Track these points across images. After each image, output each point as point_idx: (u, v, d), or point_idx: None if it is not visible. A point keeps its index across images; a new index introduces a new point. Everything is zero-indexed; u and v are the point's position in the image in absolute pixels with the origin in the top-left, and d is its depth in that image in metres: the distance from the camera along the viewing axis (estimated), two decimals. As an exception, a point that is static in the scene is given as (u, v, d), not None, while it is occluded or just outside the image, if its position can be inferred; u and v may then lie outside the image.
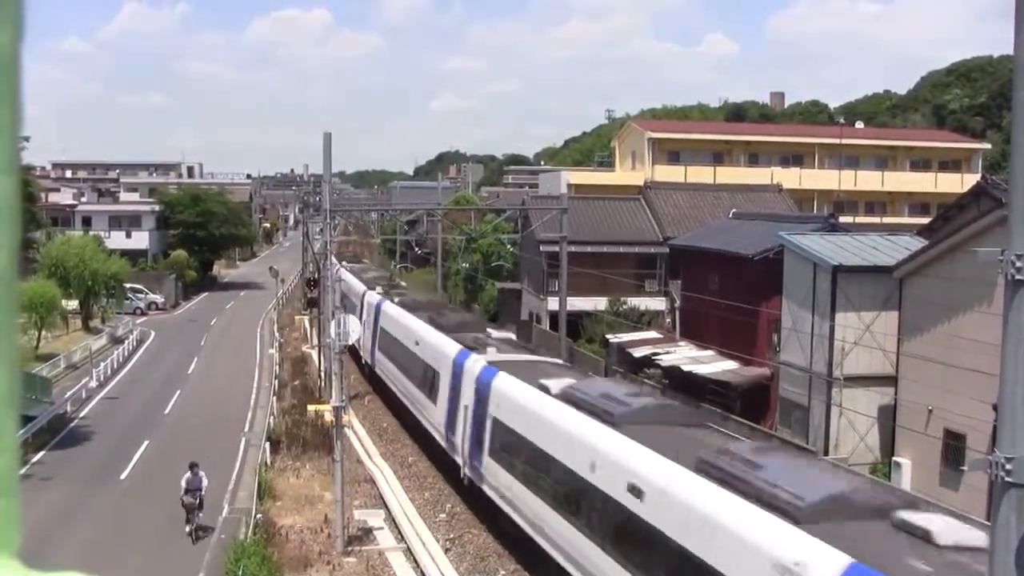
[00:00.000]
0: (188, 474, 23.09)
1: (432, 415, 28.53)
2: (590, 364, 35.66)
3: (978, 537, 11.32)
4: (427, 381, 29.30)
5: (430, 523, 24.57)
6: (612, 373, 35.13)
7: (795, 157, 63.70)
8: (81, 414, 36.27)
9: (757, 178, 56.35)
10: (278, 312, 65.35)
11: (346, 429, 27.71)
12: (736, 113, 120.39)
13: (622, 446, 16.32)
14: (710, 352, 33.65)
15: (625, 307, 42.71)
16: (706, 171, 59.25)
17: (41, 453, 30.24)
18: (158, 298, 67.78)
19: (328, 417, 27.57)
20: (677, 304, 40.87)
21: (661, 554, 14.23)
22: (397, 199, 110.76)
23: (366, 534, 23.78)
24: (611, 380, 26.01)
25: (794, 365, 29.27)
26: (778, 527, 12.05)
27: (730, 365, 32.54)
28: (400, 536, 23.82)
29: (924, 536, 11.33)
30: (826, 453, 26.33)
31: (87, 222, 76.35)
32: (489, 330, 32.05)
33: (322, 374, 38.74)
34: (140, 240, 76.47)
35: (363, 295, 44.76)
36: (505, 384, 22.48)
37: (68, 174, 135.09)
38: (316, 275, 43.17)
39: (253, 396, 39.33)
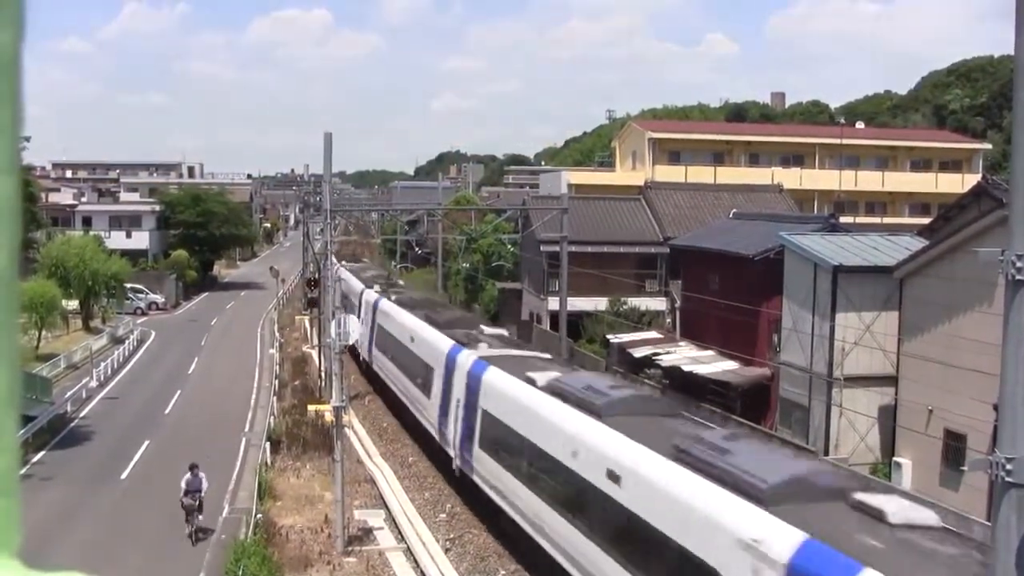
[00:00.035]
0: (188, 475, 23.01)
1: (426, 409, 29.25)
2: (591, 364, 35.66)
3: (929, 517, 12.39)
4: (421, 376, 29.98)
5: (430, 523, 24.58)
6: (612, 373, 35.12)
7: (796, 157, 63.69)
8: (81, 414, 36.28)
9: (757, 178, 56.34)
10: (278, 312, 65.37)
11: (346, 429, 27.73)
12: (737, 113, 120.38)
13: (602, 435, 17.06)
14: (710, 352, 33.65)
15: (625, 307, 42.70)
16: (706, 171, 59.24)
17: (41, 453, 30.26)
18: (158, 298, 67.78)
19: (328, 417, 27.57)
20: (677, 304, 40.86)
21: (635, 535, 15.12)
22: (397, 199, 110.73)
23: (366, 534, 23.78)
24: (595, 373, 26.59)
25: (794, 365, 29.26)
26: (742, 508, 12.78)
27: (730, 365, 32.53)
28: (400, 536, 23.83)
29: (877, 515, 11.92)
30: (826, 453, 26.32)
31: (87, 222, 76.36)
32: (482, 327, 32.46)
33: (322, 374, 38.75)
34: (140, 240, 76.48)
35: (361, 293, 45.24)
36: (494, 378, 23.21)
37: (68, 174, 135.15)
38: (316, 275, 43.18)
39: (253, 396, 39.34)
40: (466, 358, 25.72)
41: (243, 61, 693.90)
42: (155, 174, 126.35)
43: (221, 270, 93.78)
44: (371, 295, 43.31)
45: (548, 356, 27.83)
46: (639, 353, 36.32)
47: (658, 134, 63.68)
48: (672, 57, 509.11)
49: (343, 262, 58.28)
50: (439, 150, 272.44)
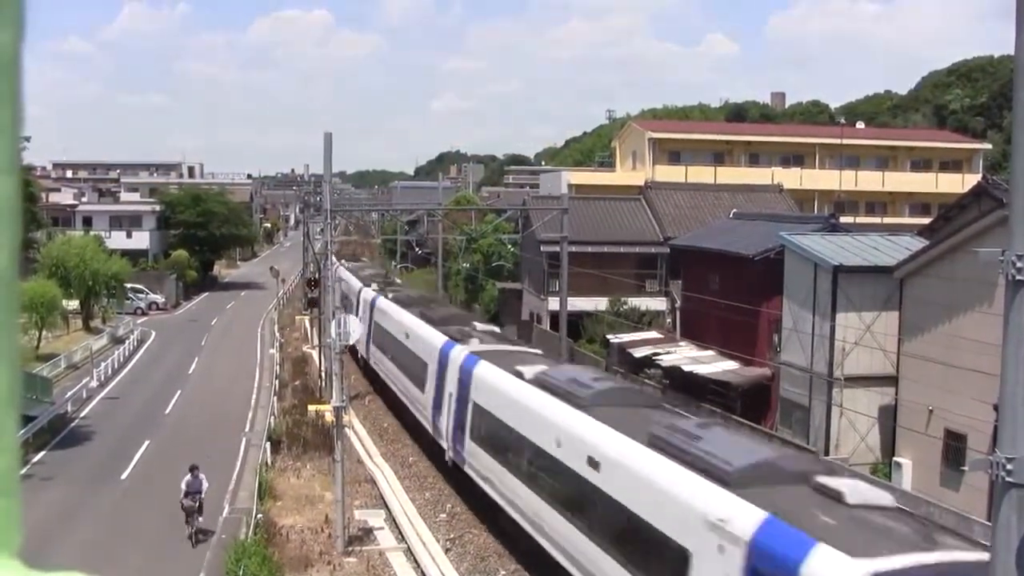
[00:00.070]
0: (188, 476, 22.95)
1: (420, 403, 30.13)
2: (591, 364, 35.65)
3: (884, 498, 13.17)
4: (416, 371, 30.79)
5: (430, 523, 24.58)
6: (613, 373, 35.12)
7: (796, 157, 63.68)
8: (82, 414, 36.27)
9: (758, 178, 56.34)
10: (279, 312, 65.36)
11: (346, 429, 27.72)
12: (737, 113, 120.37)
13: (584, 424, 17.94)
14: (711, 352, 33.65)
15: (626, 307, 42.69)
16: (707, 171, 59.24)
17: (42, 453, 30.25)
18: (159, 298, 67.78)
19: (329, 417, 27.57)
20: (678, 304, 40.86)
21: (613, 518, 15.99)
22: (398, 199, 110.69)
23: (366, 534, 23.78)
24: (580, 366, 27.14)
25: (795, 365, 29.26)
26: (710, 490, 13.58)
27: (731, 365, 32.53)
28: (400, 536, 23.82)
29: (836, 496, 12.66)
30: (827, 453, 26.32)
31: (88, 222, 76.34)
32: (475, 323, 33.16)
33: (323, 374, 38.77)
34: (141, 240, 76.47)
35: (359, 291, 45.72)
36: (485, 372, 24.07)
37: (69, 174, 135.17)
38: (316, 275, 43.19)
39: (254, 396, 39.34)
40: (458, 353, 26.55)
41: (243, 61, 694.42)
42: (155, 174, 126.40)
43: (221, 270, 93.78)
44: (369, 293, 43.89)
45: (537, 351, 28.55)
46: (639, 353, 36.32)
47: (658, 134, 63.67)
48: (672, 57, 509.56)
49: (342, 261, 58.45)
50: (439, 150, 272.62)
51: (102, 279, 52.66)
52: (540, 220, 42.29)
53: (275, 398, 37.87)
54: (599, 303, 42.46)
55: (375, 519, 24.70)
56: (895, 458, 25.59)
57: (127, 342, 50.96)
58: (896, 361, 26.20)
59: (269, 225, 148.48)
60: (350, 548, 22.57)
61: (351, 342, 27.28)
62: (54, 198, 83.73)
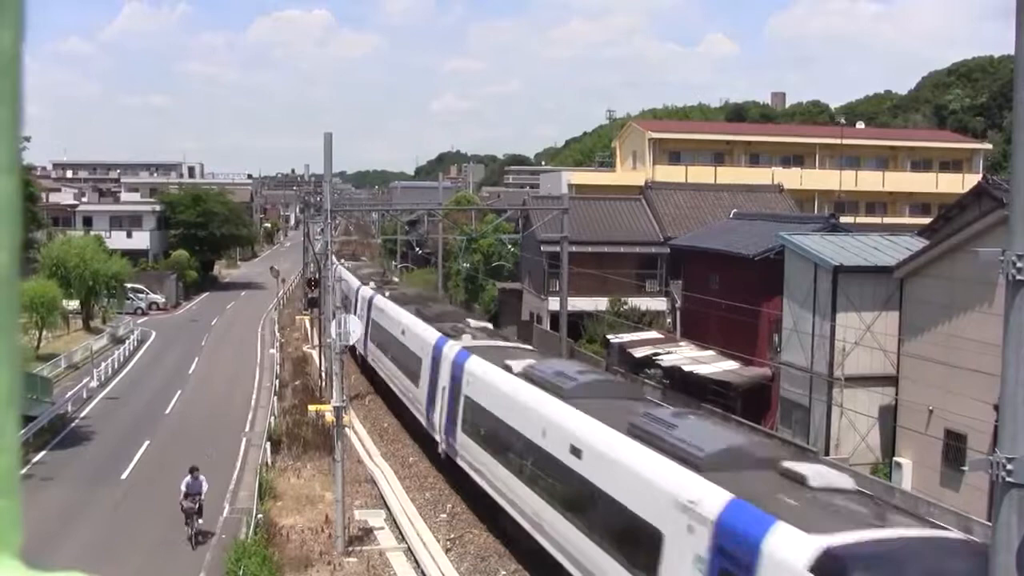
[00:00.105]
0: (188, 478, 22.90)
1: (415, 397, 30.98)
2: (591, 364, 35.65)
3: (846, 481, 13.95)
4: (411, 366, 31.67)
5: (431, 523, 24.58)
6: (613, 373, 35.12)
7: (796, 157, 63.69)
8: (82, 414, 36.27)
9: (758, 178, 56.33)
10: (279, 312, 65.36)
11: (347, 429, 27.72)
12: (737, 113, 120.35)
13: (567, 415, 18.77)
14: (711, 352, 33.63)
15: (626, 307, 42.68)
16: (707, 171, 59.24)
17: (42, 453, 30.25)
18: (159, 298, 67.77)
19: (329, 417, 27.54)
20: (678, 304, 40.85)
21: (593, 502, 16.79)
22: (398, 199, 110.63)
23: (367, 534, 23.78)
24: (566, 360, 27.80)
25: (795, 365, 29.25)
26: (682, 474, 14.34)
27: (731, 365, 32.51)
28: (401, 536, 23.82)
29: (800, 480, 13.42)
30: (827, 453, 26.31)
31: (88, 222, 76.35)
32: (468, 319, 34.11)
33: (323, 374, 38.77)
34: (141, 240, 76.48)
35: (357, 289, 46.24)
36: (476, 366, 24.95)
37: (69, 174, 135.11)
38: (317, 275, 43.20)
39: (254, 396, 39.34)
40: (451, 349, 27.40)
41: (243, 61, 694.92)
42: (155, 174, 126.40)
43: (221, 270, 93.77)
44: (367, 291, 44.51)
45: (527, 347, 29.77)
46: (639, 353, 36.30)
47: (658, 134, 63.68)
48: (672, 57, 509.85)
49: (341, 260, 58.60)
50: (439, 150, 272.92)
51: (102, 279, 52.64)
52: (540, 220, 42.28)
53: (275, 398, 37.87)
54: (599, 303, 42.45)
55: (375, 519, 24.70)
56: (895, 458, 25.58)
57: (127, 342, 50.94)
58: (896, 361, 26.19)
59: (269, 225, 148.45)
60: (350, 548, 22.57)
61: (351, 342, 27.31)
62: (54, 198, 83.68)
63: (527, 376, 21.94)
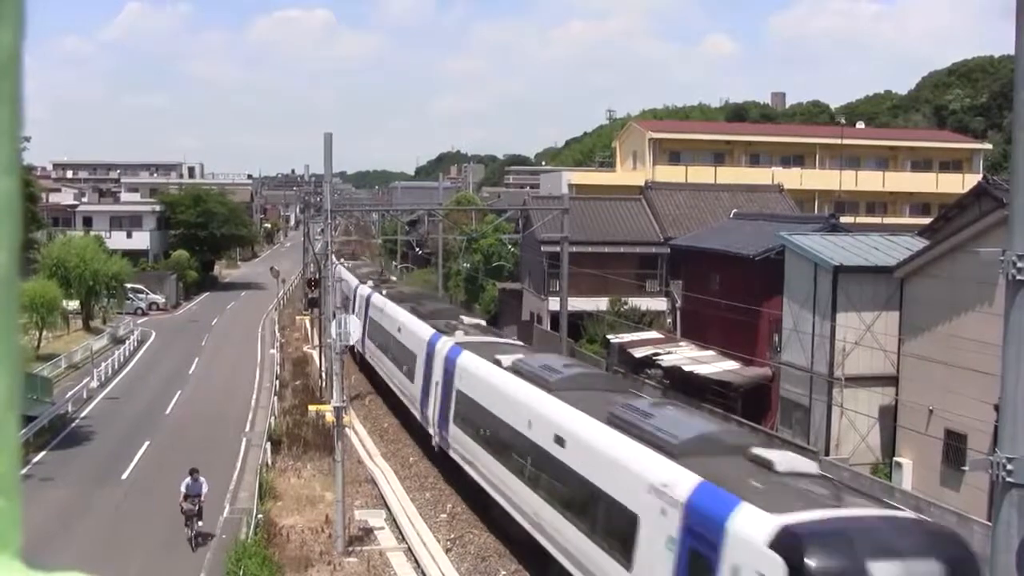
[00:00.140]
0: (188, 479, 22.84)
1: (410, 392, 31.85)
2: (591, 364, 35.65)
3: (810, 466, 14.81)
4: (407, 362, 32.54)
5: (431, 523, 24.58)
6: (613, 373, 35.12)
7: (796, 157, 63.68)
8: (82, 414, 36.26)
9: (758, 178, 56.31)
10: (279, 312, 65.35)
11: (347, 429, 27.72)
12: (737, 113, 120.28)
13: (552, 406, 19.53)
14: (711, 352, 33.63)
15: (626, 307, 42.67)
16: (707, 171, 59.23)
17: (42, 453, 30.25)
18: (159, 298, 67.75)
19: (329, 417, 27.57)
20: (678, 304, 40.86)
21: (575, 488, 17.56)
22: (398, 199, 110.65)
23: (367, 534, 23.78)
24: (554, 355, 28.26)
25: (795, 365, 29.25)
26: (656, 460, 15.09)
27: (731, 365, 32.50)
28: (401, 536, 23.82)
29: (767, 465, 14.12)
30: (827, 453, 26.31)
31: (88, 222, 76.30)
32: (462, 316, 34.85)
33: (323, 374, 38.77)
34: (141, 240, 76.46)
35: (355, 288, 46.80)
36: (467, 360, 25.77)
37: (69, 174, 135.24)
38: (317, 275, 43.23)
39: (254, 396, 39.34)
40: (444, 344, 28.23)
41: (244, 61, 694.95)
42: (156, 174, 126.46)
43: (222, 270, 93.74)
44: (364, 290, 45.10)
45: (518, 343, 30.72)
46: (640, 353, 36.29)
47: (658, 134, 63.68)
48: (672, 57, 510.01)
49: (341, 260, 58.71)
50: (439, 150, 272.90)
51: (102, 279, 52.65)
52: (540, 220, 42.28)
53: (275, 398, 37.87)
54: (599, 303, 42.44)
55: (375, 519, 24.68)
56: (895, 458, 25.58)
57: (127, 342, 50.94)
58: (896, 361, 26.19)
59: (269, 225, 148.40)
60: (350, 548, 22.57)
61: (351, 342, 27.37)
62: (54, 198, 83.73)
63: (515, 370, 22.68)
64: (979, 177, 39.75)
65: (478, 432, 23.84)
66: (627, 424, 16.85)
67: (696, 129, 74.20)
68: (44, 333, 46.45)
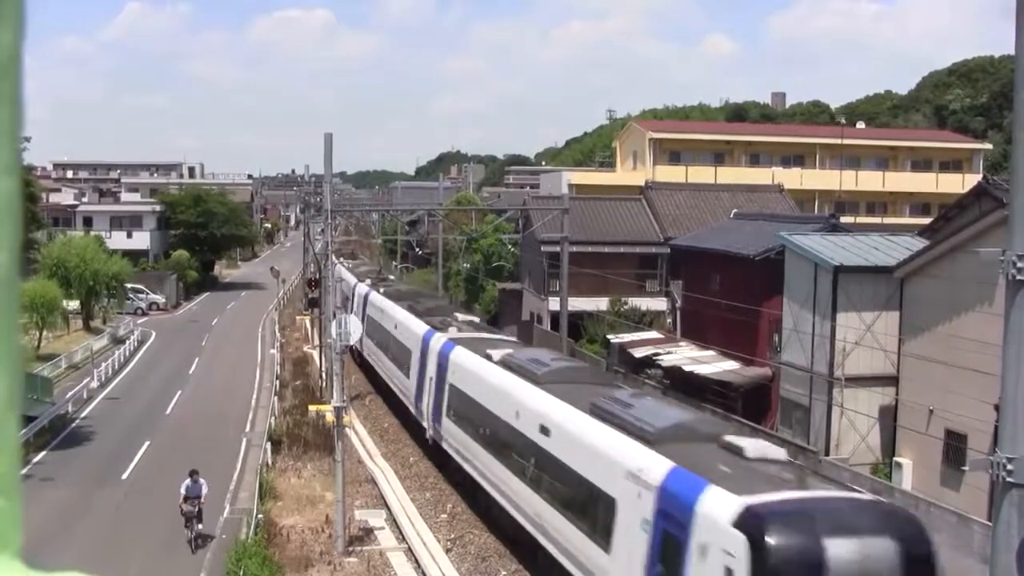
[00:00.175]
0: (188, 481, 22.76)
1: (405, 387, 32.70)
2: (591, 363, 35.66)
3: (779, 453, 15.49)
4: (402, 358, 33.33)
5: (431, 523, 24.57)
6: (613, 373, 35.13)
7: (796, 157, 63.67)
8: (82, 414, 36.26)
9: (758, 178, 56.29)
10: (279, 312, 65.34)
11: (347, 429, 27.73)
12: (737, 113, 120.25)
13: (538, 398, 20.22)
14: (711, 352, 33.62)
15: (626, 307, 42.66)
16: (707, 171, 59.22)
17: (42, 453, 30.25)
18: (159, 298, 67.74)
19: (329, 417, 27.57)
20: (678, 304, 40.85)
21: (558, 475, 18.29)
22: (398, 199, 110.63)
23: (367, 534, 23.78)
24: (543, 349, 29.04)
25: (795, 365, 29.25)
26: (633, 447, 15.81)
27: (731, 365, 32.50)
28: (401, 536, 23.82)
29: (737, 451, 14.81)
30: (827, 453, 26.31)
31: (88, 222, 76.29)
32: (456, 314, 35.87)
33: (323, 374, 38.77)
34: (141, 240, 76.47)
35: (354, 286, 47.42)
36: (460, 355, 26.58)
37: (69, 174, 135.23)
38: (317, 275, 43.25)
39: (254, 396, 39.34)
40: (437, 340, 29.03)
41: (244, 61, 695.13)
42: (156, 174, 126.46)
43: (222, 270, 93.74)
44: (363, 288, 45.65)
45: (510, 338, 31.72)
46: (640, 353, 36.29)
47: (659, 134, 63.66)
48: (672, 57, 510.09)
49: (340, 259, 58.84)
50: (440, 150, 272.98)
51: (103, 279, 52.65)
52: (540, 220, 42.28)
53: (276, 398, 37.87)
54: (600, 303, 42.44)
55: (376, 519, 24.68)
56: (896, 458, 25.57)
57: (127, 342, 50.94)
58: (896, 361, 26.19)
59: (269, 225, 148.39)
60: (350, 548, 22.57)
61: (352, 342, 27.40)
62: (54, 198, 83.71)
63: (505, 364, 23.52)
64: (979, 177, 39.74)
65: (469, 424, 24.61)
66: (608, 414, 17.53)
67: (696, 129, 74.19)
68: (44, 333, 46.44)
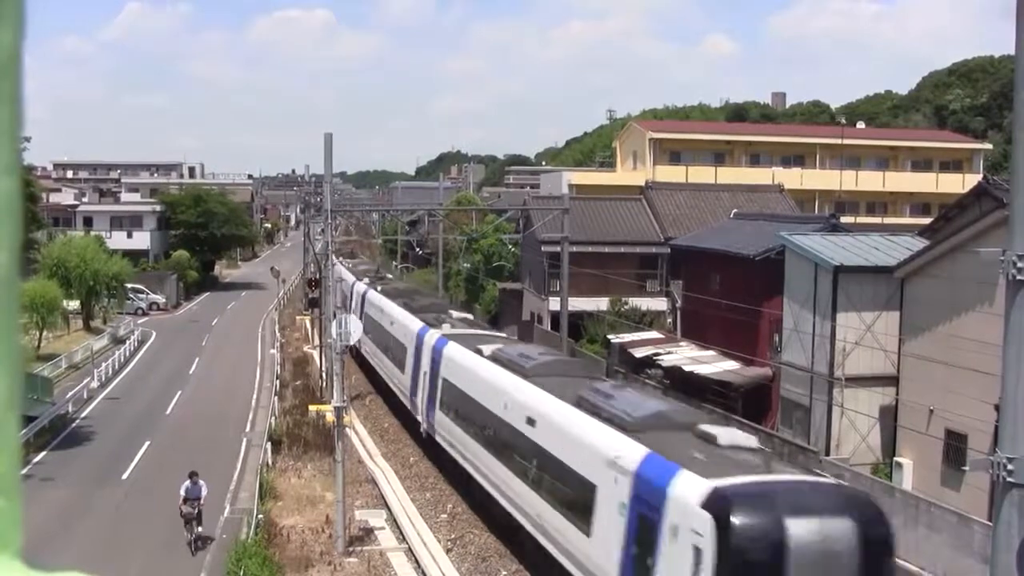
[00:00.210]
0: (187, 483, 22.67)
1: (401, 382, 33.50)
2: (592, 364, 35.67)
3: (751, 441, 16.10)
4: (398, 354, 34.11)
5: (431, 523, 24.57)
6: (614, 373, 35.15)
7: (796, 157, 63.66)
8: (82, 414, 36.26)
9: (758, 178, 56.29)
10: (279, 312, 65.34)
11: (347, 429, 27.73)
12: (737, 113, 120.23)
13: (525, 390, 20.95)
14: (711, 352, 33.62)
15: (626, 307, 42.67)
16: (707, 171, 59.22)
17: (43, 453, 30.26)
18: (159, 298, 67.74)
19: (329, 417, 27.59)
20: (678, 304, 40.85)
21: (543, 463, 19.04)
22: (398, 199, 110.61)
23: (367, 534, 23.77)
24: (531, 344, 29.88)
25: (795, 365, 29.24)
26: (612, 435, 16.52)
27: (731, 365, 32.50)
28: (401, 536, 23.82)
29: (711, 439, 15.50)
30: (827, 453, 26.30)
31: (88, 222, 76.29)
32: (450, 311, 36.96)
33: (323, 374, 38.77)
34: (141, 240, 76.47)
35: (353, 285, 48.16)
36: (452, 351, 27.39)
37: (69, 174, 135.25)
38: (317, 275, 43.28)
39: (254, 396, 39.34)
40: (431, 336, 29.84)
41: (244, 61, 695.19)
42: (156, 174, 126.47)
43: (222, 270, 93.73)
44: (361, 286, 46.41)
45: (502, 335, 32.76)
46: (640, 353, 36.29)
47: (659, 134, 63.66)
48: (672, 57, 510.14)
49: (340, 258, 58.95)
50: (440, 150, 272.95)
51: (103, 279, 52.65)
52: (541, 220, 42.28)
53: (276, 398, 37.87)
54: (600, 303, 42.44)
55: (376, 519, 24.68)
56: (896, 458, 25.57)
57: (128, 342, 50.94)
58: (897, 361, 26.18)
59: (270, 225, 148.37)
60: (351, 548, 22.57)
61: (352, 342, 27.42)
62: (55, 198, 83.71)
63: (495, 358, 24.29)
64: (979, 177, 39.73)
65: (461, 416, 25.37)
66: (591, 405, 18.26)
67: (696, 129, 74.18)
68: (44, 333, 46.44)
